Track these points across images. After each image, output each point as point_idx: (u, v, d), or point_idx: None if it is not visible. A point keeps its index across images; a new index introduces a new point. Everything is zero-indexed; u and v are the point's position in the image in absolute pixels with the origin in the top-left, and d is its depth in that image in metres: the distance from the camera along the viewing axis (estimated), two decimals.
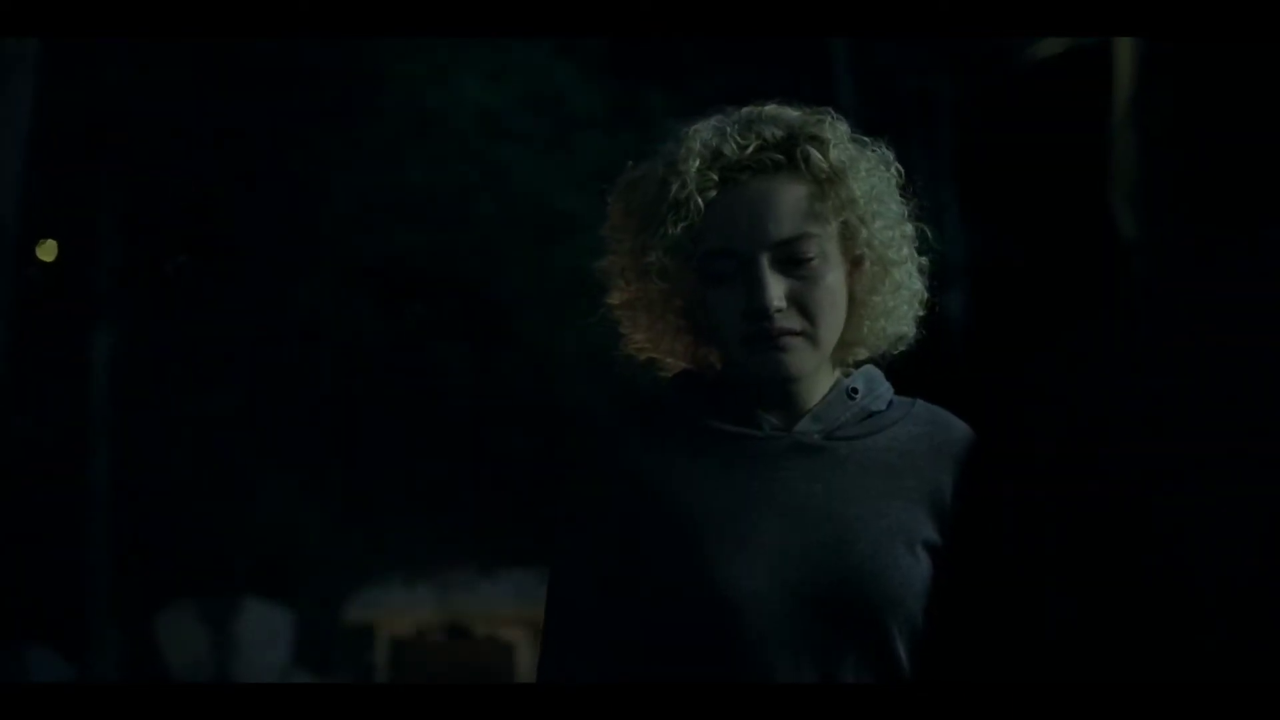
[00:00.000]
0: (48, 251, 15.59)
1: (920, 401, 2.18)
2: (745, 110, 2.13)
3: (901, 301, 2.15)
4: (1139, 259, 1.12)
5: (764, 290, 2.06)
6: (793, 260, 2.08)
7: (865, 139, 2.15)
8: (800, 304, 2.07)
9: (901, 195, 2.16)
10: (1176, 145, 1.11)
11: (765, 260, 2.07)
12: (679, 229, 2.08)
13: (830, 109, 2.15)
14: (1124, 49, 1.14)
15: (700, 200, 2.08)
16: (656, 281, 2.11)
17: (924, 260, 2.18)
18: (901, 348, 2.18)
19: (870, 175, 2.12)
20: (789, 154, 2.09)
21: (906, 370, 2.24)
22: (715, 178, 2.08)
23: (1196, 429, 1.03)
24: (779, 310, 2.06)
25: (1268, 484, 1.01)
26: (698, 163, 2.08)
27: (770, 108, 2.13)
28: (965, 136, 16.52)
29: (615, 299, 2.18)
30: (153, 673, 15.47)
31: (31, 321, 14.47)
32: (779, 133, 2.10)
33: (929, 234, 2.19)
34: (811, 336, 2.08)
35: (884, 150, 2.16)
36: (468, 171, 16.43)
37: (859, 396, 2.14)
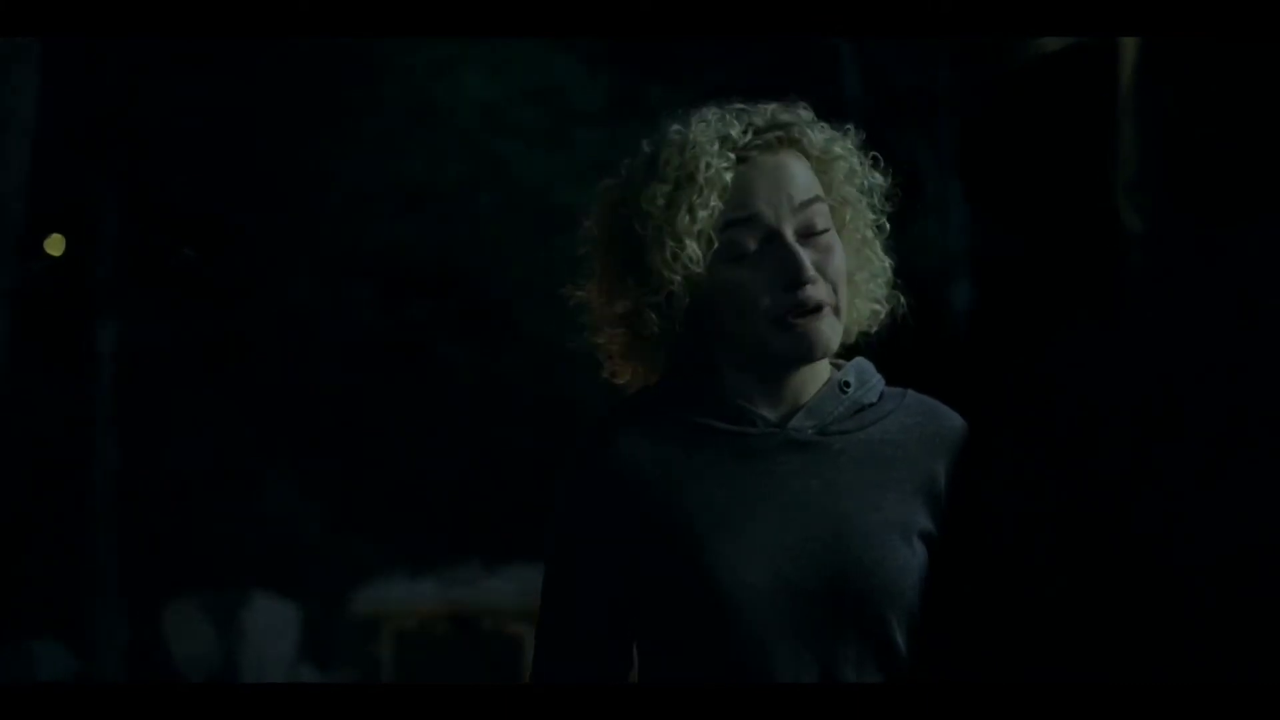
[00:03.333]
0: (55, 246, 15.59)
1: (911, 392, 2.19)
2: (716, 108, 2.16)
3: (876, 278, 2.18)
4: (1142, 253, 1.12)
5: (800, 260, 2.07)
6: (810, 231, 2.10)
7: (830, 124, 2.19)
8: (824, 275, 2.10)
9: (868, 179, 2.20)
10: (1179, 139, 1.11)
11: (790, 232, 2.09)
12: (706, 210, 2.08)
13: (793, 96, 2.19)
14: (1128, 43, 1.14)
15: (725, 178, 2.09)
16: (686, 267, 2.08)
17: (887, 241, 2.22)
18: (875, 327, 2.20)
19: (850, 156, 2.16)
20: (786, 132, 2.13)
21: (911, 362, 2.25)
22: (731, 157, 2.10)
23: (1198, 423, 1.03)
24: (813, 282, 2.08)
25: (1269, 480, 1.01)
26: (715, 145, 2.10)
27: (738, 105, 2.16)
28: (969, 129, 16.50)
29: (620, 309, 2.15)
30: (159, 666, 15.47)
31: (37, 314, 14.47)
32: (763, 121, 2.13)
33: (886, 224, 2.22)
34: (836, 308, 2.10)
35: (853, 135, 2.20)
36: (469, 165, 16.42)
37: (851, 390, 2.15)
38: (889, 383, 2.20)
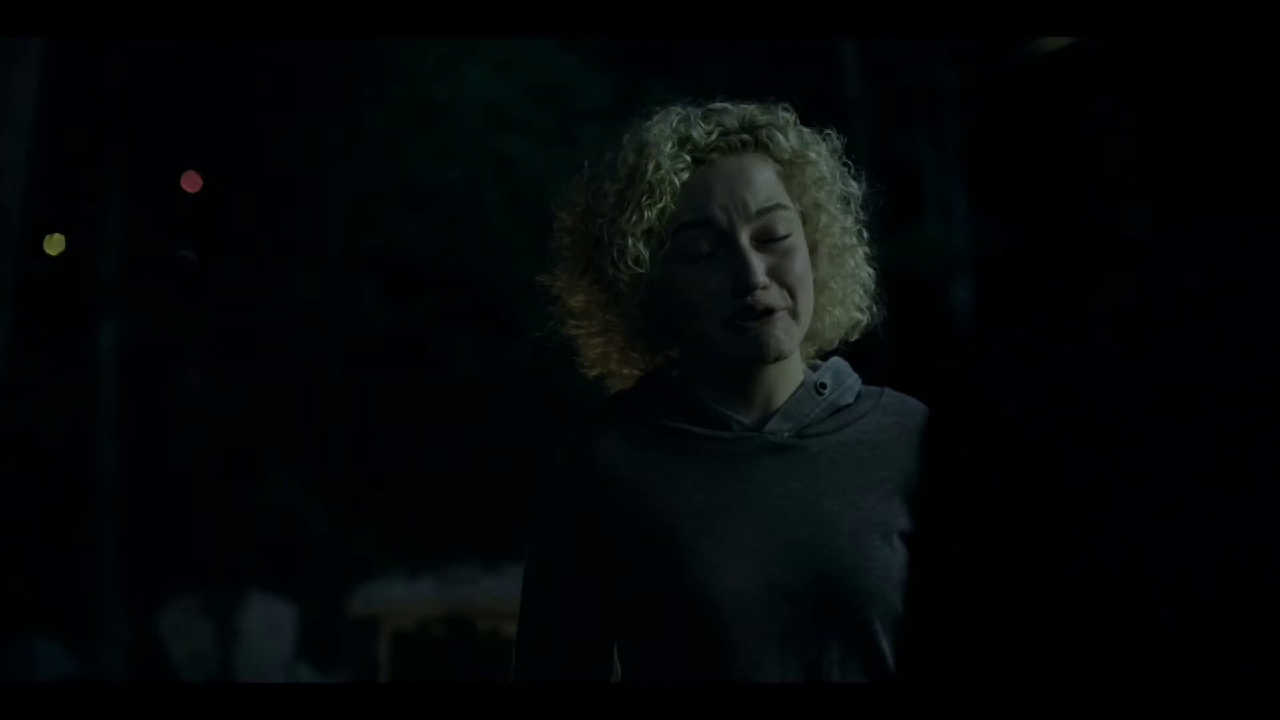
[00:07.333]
0: (54, 246, 15.61)
1: (888, 391, 2.17)
2: (692, 107, 2.14)
3: (855, 286, 2.16)
4: (1141, 252, 1.12)
5: (749, 265, 2.05)
6: (769, 237, 2.08)
7: (811, 129, 2.16)
8: (780, 280, 2.07)
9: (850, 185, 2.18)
10: (1177, 138, 1.10)
11: (745, 236, 2.07)
12: (654, 211, 2.07)
13: (773, 97, 2.17)
14: (1127, 42, 1.13)
15: (676, 180, 2.07)
16: (630, 268, 2.08)
17: (869, 249, 2.19)
18: (856, 336, 2.18)
19: (827, 160, 2.14)
20: (754, 135, 2.11)
21: (913, 361, 2.23)
22: (688, 159, 2.09)
23: (1194, 421, 1.02)
24: (764, 287, 2.05)
25: (1266, 480, 1.00)
26: (670, 145, 2.08)
27: (718, 104, 2.14)
28: (973, 128, 16.52)
29: (577, 302, 2.18)
30: (157, 665, 15.50)
31: (37, 313, 14.49)
32: (735, 122, 2.11)
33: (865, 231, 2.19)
34: (794, 313, 2.08)
35: (835, 140, 2.17)
36: (473, 163, 16.45)
37: (827, 391, 2.13)
38: (896, 383, 2.18)
